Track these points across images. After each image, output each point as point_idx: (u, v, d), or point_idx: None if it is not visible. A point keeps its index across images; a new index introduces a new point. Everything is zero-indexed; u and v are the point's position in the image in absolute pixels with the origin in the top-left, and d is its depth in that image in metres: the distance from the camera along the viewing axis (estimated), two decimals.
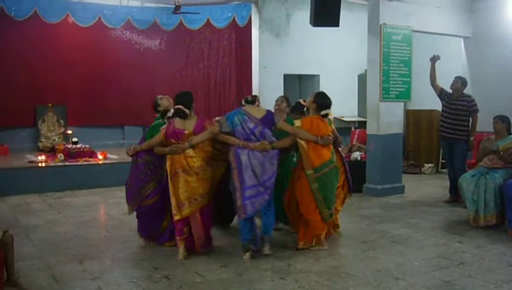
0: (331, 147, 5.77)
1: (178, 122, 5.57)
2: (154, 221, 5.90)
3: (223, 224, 6.58)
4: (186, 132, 5.49)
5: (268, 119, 5.60)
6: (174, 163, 5.43)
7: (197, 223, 5.48)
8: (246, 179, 5.31)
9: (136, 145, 5.98)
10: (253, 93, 10.70)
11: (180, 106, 5.54)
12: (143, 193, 5.81)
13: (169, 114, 5.97)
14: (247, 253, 5.47)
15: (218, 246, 5.85)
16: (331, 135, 5.74)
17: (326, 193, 5.60)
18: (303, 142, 5.57)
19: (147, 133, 5.95)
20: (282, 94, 8.71)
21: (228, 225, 6.66)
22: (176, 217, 5.42)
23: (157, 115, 6.14)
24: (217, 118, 5.88)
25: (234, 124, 5.53)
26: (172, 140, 5.48)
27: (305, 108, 6.09)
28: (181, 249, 5.48)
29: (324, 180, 5.57)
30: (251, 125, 5.50)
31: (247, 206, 5.29)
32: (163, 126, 5.69)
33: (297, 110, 6.15)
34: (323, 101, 5.83)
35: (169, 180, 5.46)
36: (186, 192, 5.38)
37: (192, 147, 5.42)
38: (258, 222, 5.42)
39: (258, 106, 5.79)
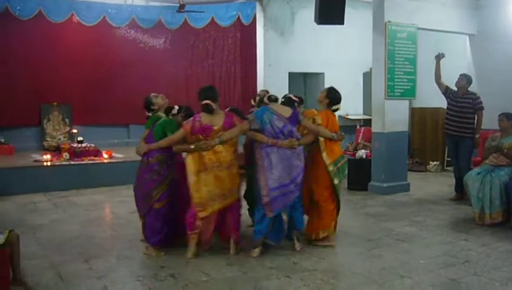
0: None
1: (205, 118, 5.44)
2: (164, 225, 5.61)
3: None
4: (215, 127, 5.39)
5: (294, 118, 5.64)
6: (202, 159, 5.31)
7: (232, 217, 5.51)
8: (275, 177, 5.37)
9: (140, 142, 5.75)
10: (258, 92, 10.68)
11: (208, 101, 5.44)
12: (154, 195, 5.54)
13: (174, 111, 5.89)
14: (257, 249, 5.48)
15: (223, 246, 5.84)
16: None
17: (340, 185, 5.89)
18: (322, 139, 5.77)
19: (157, 131, 5.64)
20: (287, 92, 8.68)
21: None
22: (202, 214, 5.31)
23: (150, 114, 5.95)
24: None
25: (263, 122, 5.55)
26: (200, 136, 5.37)
27: (296, 103, 6.04)
28: (192, 246, 5.42)
29: (339, 174, 5.83)
30: (280, 124, 5.53)
31: (275, 203, 5.37)
32: (187, 121, 5.49)
33: (288, 105, 6.07)
34: (335, 96, 6.00)
35: (192, 177, 5.33)
36: (217, 188, 5.32)
37: (222, 143, 5.37)
38: (285, 217, 5.55)
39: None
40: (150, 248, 5.59)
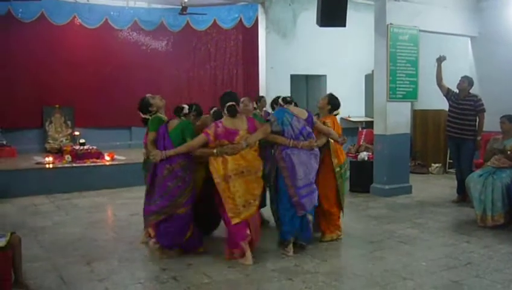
0: None
1: (227, 122, 5.38)
2: (183, 230, 5.50)
3: (205, 232, 6.12)
4: (240, 131, 5.33)
5: (310, 119, 5.77)
6: (230, 164, 5.23)
7: (255, 223, 5.47)
8: (300, 177, 5.47)
9: (150, 146, 5.59)
10: (260, 94, 10.70)
11: (233, 103, 5.37)
12: (180, 202, 5.40)
13: (185, 111, 5.71)
14: (289, 246, 5.57)
15: (223, 248, 5.83)
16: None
17: (343, 187, 6.13)
18: (332, 141, 5.95)
19: (176, 135, 5.46)
20: (289, 94, 8.68)
21: (210, 233, 6.36)
22: (235, 221, 5.23)
23: (147, 116, 5.86)
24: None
25: (284, 124, 5.60)
26: (226, 141, 5.30)
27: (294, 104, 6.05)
28: (248, 254, 5.30)
29: (343, 176, 6.11)
30: (300, 125, 5.63)
31: (306, 203, 5.51)
32: (209, 127, 5.39)
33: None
34: (335, 102, 6.26)
35: (221, 184, 5.24)
36: (247, 193, 5.26)
37: (248, 146, 5.33)
38: (310, 217, 5.67)
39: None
40: (161, 249, 5.51)
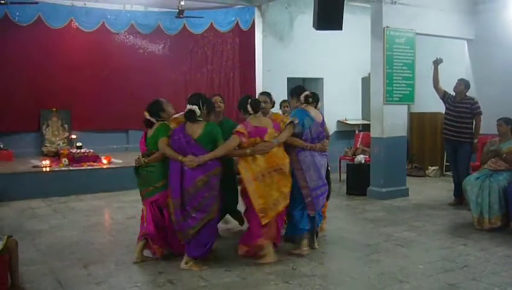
0: None
1: (254, 120, 5.45)
2: (214, 235, 5.50)
3: None
4: (268, 129, 5.40)
5: (323, 122, 5.89)
6: (262, 163, 5.26)
7: (281, 221, 5.55)
8: (314, 178, 5.60)
9: (170, 151, 5.22)
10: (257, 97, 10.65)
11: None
12: (215, 209, 5.23)
13: (198, 113, 5.23)
14: (304, 242, 5.67)
15: (222, 249, 5.84)
16: None
17: None
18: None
19: (205, 141, 5.20)
20: (285, 98, 8.69)
21: None
22: (265, 221, 5.24)
23: (152, 119, 5.56)
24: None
25: (304, 126, 5.64)
26: (259, 138, 5.32)
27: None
28: (270, 251, 5.37)
29: None
30: (318, 129, 5.73)
31: (317, 203, 5.65)
32: (240, 126, 5.35)
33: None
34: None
35: (251, 184, 5.23)
36: (277, 191, 5.31)
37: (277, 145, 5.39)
38: (317, 217, 5.77)
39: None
40: (192, 262, 5.26)
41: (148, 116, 5.59)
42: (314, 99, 5.86)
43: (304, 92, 5.83)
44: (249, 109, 5.45)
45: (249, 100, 5.48)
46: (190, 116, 5.20)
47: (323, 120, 5.90)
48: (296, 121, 5.60)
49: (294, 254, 5.63)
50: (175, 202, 5.17)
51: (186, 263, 5.25)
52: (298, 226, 5.67)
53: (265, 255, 5.35)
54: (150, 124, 5.62)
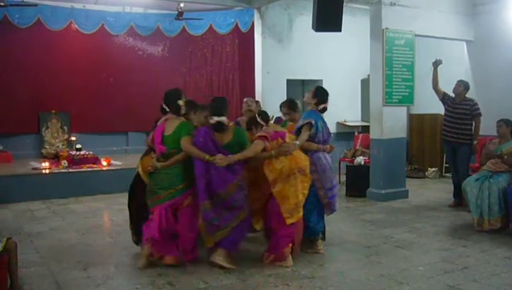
0: None
1: (272, 127, 5.69)
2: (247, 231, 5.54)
3: None
4: (286, 132, 5.59)
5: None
6: (289, 164, 5.32)
7: (300, 226, 5.56)
8: (330, 179, 5.73)
9: (194, 151, 5.14)
10: (256, 99, 10.68)
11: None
12: (245, 211, 5.25)
13: (214, 122, 5.26)
14: (319, 242, 5.82)
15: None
16: None
17: None
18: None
19: (241, 141, 5.27)
20: (285, 99, 8.68)
21: None
22: (290, 221, 5.29)
23: (167, 108, 5.43)
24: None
25: (318, 129, 5.72)
26: (280, 139, 5.44)
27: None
28: (289, 256, 5.38)
29: None
30: (327, 131, 5.87)
31: (335, 203, 5.83)
32: (263, 131, 5.46)
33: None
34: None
35: (277, 186, 5.27)
36: (302, 193, 5.38)
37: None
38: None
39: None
40: (223, 257, 5.23)
41: (164, 106, 5.47)
42: (319, 103, 5.94)
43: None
44: (259, 120, 5.60)
45: (258, 114, 5.67)
46: (220, 128, 5.20)
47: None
48: (313, 122, 5.68)
49: (311, 252, 5.73)
50: (204, 205, 5.11)
51: (219, 256, 5.19)
52: (316, 230, 5.78)
53: (286, 260, 5.36)
54: (164, 112, 5.50)
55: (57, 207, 8.74)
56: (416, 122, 12.31)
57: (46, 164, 10.23)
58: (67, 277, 5.11)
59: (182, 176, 5.27)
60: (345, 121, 12.89)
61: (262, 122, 5.61)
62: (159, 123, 5.51)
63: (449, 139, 8.44)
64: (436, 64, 8.63)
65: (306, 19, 10.03)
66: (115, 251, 6.04)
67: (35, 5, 11.65)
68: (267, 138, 5.35)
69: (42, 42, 12.40)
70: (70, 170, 10.07)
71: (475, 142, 8.27)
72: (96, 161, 10.68)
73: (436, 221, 7.45)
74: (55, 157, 11.39)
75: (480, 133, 8.30)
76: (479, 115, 8.26)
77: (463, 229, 6.92)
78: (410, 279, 4.95)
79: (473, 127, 8.29)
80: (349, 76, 13.05)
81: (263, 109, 6.90)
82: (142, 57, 13.63)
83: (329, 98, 6.07)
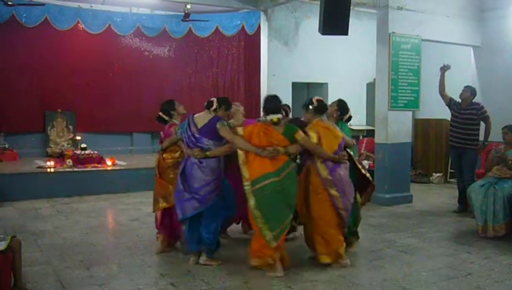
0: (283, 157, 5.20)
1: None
2: None
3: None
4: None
5: None
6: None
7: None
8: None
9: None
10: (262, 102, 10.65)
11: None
12: None
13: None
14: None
15: (224, 254, 5.80)
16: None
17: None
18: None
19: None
20: (290, 102, 8.71)
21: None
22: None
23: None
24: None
25: None
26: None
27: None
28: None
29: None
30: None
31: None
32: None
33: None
34: (268, 106, 5.31)
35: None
36: None
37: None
38: None
39: None
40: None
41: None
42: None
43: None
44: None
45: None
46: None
47: None
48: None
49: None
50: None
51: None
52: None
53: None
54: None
55: (61, 206, 8.76)
56: (422, 127, 12.28)
57: (51, 163, 10.26)
58: (70, 275, 5.12)
59: None
60: (350, 125, 12.85)
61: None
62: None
63: (455, 145, 8.41)
64: (444, 69, 8.60)
65: (312, 22, 10.06)
66: (118, 251, 6.05)
67: (43, 4, 11.73)
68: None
69: (49, 41, 12.45)
70: (75, 169, 10.09)
71: (486, 143, 8.23)
72: (100, 160, 10.70)
73: (440, 226, 7.43)
74: (60, 156, 11.44)
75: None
76: (488, 117, 8.19)
77: (467, 235, 6.89)
78: (413, 284, 4.93)
79: (480, 132, 8.25)
80: (354, 80, 13.06)
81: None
82: (148, 57, 13.67)
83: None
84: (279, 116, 5.20)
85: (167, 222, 5.89)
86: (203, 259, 5.43)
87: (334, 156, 5.36)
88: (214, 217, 5.39)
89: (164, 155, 5.77)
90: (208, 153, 5.29)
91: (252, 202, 5.02)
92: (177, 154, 5.74)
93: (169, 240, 5.95)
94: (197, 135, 5.33)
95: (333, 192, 5.29)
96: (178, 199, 5.37)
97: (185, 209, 5.32)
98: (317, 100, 5.59)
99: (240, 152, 5.18)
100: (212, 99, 5.56)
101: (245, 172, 5.10)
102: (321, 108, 5.59)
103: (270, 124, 5.18)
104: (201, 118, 5.44)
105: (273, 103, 5.29)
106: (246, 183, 5.06)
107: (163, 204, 5.77)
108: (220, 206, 5.43)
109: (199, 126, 5.37)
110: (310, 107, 5.55)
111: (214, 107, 5.46)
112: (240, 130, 5.30)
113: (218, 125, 5.30)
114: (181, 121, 5.87)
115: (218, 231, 5.59)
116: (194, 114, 5.54)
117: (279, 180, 5.05)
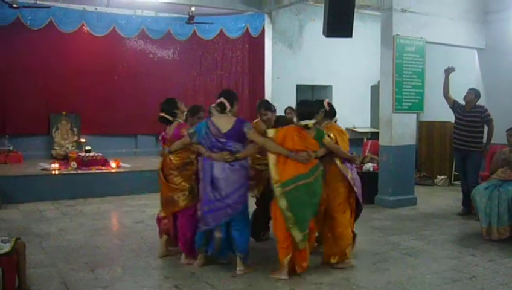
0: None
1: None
2: None
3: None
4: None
5: None
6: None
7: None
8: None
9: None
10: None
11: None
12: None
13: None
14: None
15: (228, 257, 5.81)
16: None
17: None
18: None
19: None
20: (294, 105, 8.69)
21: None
22: None
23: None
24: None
25: None
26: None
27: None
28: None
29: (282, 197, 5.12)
30: None
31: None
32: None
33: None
34: (302, 111, 5.34)
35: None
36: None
37: None
38: None
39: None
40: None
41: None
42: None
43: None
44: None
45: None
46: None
47: None
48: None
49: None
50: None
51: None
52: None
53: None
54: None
55: (65, 208, 8.78)
56: (426, 129, 12.26)
57: (55, 165, 10.26)
58: (75, 278, 5.13)
59: None
60: (354, 127, 12.87)
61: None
62: None
63: (459, 147, 8.40)
64: (448, 71, 8.59)
65: (317, 24, 10.06)
66: (122, 253, 6.06)
67: (48, 7, 11.75)
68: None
69: (54, 44, 12.49)
70: (79, 172, 10.10)
71: (488, 146, 8.22)
72: (105, 162, 10.72)
73: (445, 229, 7.42)
74: (65, 159, 11.48)
75: (491, 141, 8.26)
76: (491, 120, 8.20)
77: (471, 238, 6.88)
78: (417, 287, 4.93)
79: (484, 135, 8.24)
80: (359, 82, 13.04)
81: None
82: (152, 60, 13.69)
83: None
84: (314, 121, 5.25)
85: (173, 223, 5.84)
86: (240, 269, 5.30)
87: (353, 156, 5.67)
88: (246, 222, 5.43)
89: (171, 157, 5.71)
90: (237, 155, 5.25)
91: (283, 203, 5.03)
92: (185, 155, 5.71)
93: (173, 241, 5.94)
94: (223, 140, 5.25)
95: (356, 189, 5.63)
96: (207, 210, 5.25)
97: (218, 219, 5.25)
98: (329, 104, 5.79)
99: (270, 154, 5.20)
100: (221, 100, 5.40)
101: (274, 174, 5.12)
102: (332, 112, 5.85)
103: (303, 128, 5.22)
104: (224, 122, 5.32)
105: (307, 108, 5.33)
106: (275, 185, 5.08)
107: (174, 208, 5.67)
108: (247, 210, 5.49)
109: (224, 131, 5.26)
110: (322, 110, 5.66)
111: (228, 108, 5.41)
112: (270, 132, 5.32)
113: (245, 129, 5.27)
114: (191, 125, 5.77)
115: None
116: (209, 117, 5.53)
117: (310, 182, 5.11)
